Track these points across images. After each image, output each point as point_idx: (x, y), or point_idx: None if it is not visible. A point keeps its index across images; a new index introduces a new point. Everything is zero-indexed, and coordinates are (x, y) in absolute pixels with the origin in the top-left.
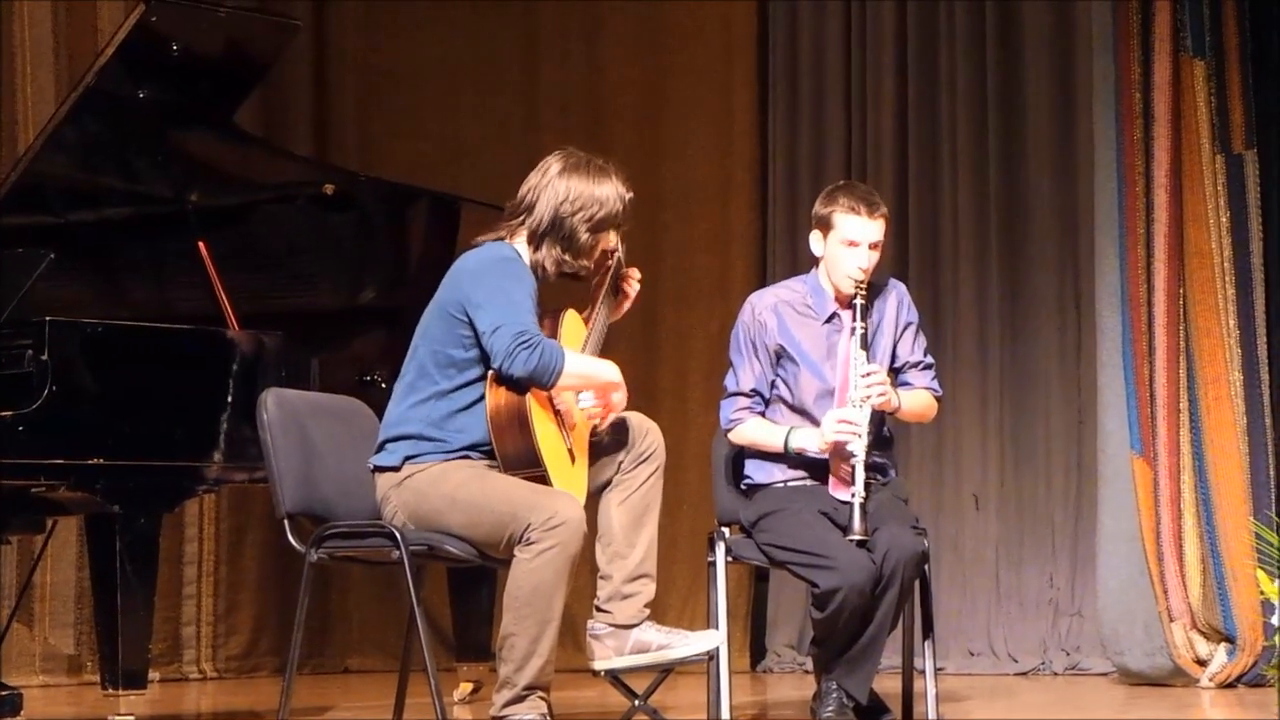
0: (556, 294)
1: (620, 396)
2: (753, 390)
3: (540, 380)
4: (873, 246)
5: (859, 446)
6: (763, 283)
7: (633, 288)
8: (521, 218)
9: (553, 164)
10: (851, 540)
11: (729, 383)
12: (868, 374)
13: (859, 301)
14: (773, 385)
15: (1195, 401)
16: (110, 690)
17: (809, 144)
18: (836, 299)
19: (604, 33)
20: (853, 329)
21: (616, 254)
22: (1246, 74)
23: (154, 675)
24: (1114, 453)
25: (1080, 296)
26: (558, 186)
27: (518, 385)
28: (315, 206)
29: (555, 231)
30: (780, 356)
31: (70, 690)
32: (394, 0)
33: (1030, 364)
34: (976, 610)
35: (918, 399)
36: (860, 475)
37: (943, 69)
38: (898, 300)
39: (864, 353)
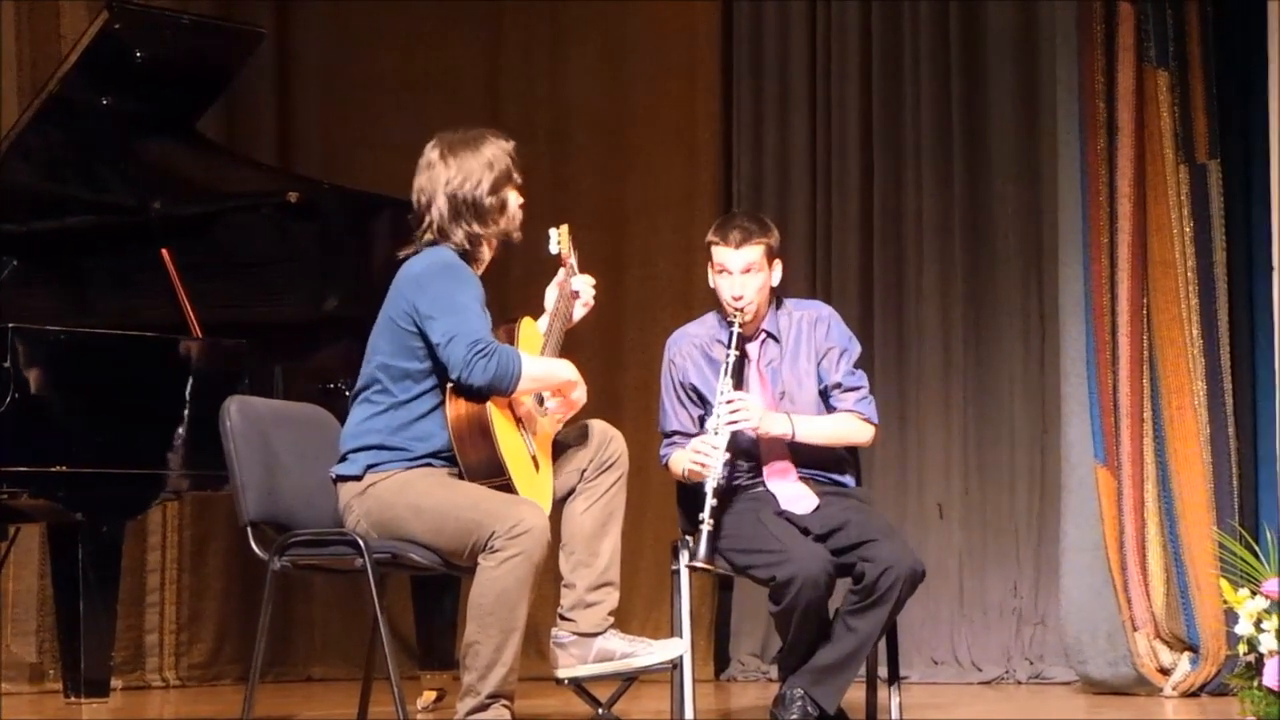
0: (516, 303)
1: (580, 393)
2: (673, 431)
3: (500, 387)
4: (744, 272)
5: (711, 476)
6: None
7: (587, 294)
8: (424, 215)
9: (430, 155)
10: (692, 567)
11: (659, 423)
12: (730, 400)
13: (734, 330)
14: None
15: (1158, 411)
16: (73, 698)
17: (773, 152)
18: (745, 336)
19: (567, 41)
20: (726, 356)
21: (570, 262)
22: (1210, 84)
23: (116, 683)
24: (1077, 462)
25: (1044, 306)
26: (442, 173)
27: (478, 394)
28: (279, 215)
29: (458, 212)
30: (696, 394)
31: (32, 699)
32: (358, 9)
33: (994, 373)
34: (940, 619)
35: (830, 422)
36: (709, 503)
37: (907, 79)
38: (818, 323)
39: (729, 379)
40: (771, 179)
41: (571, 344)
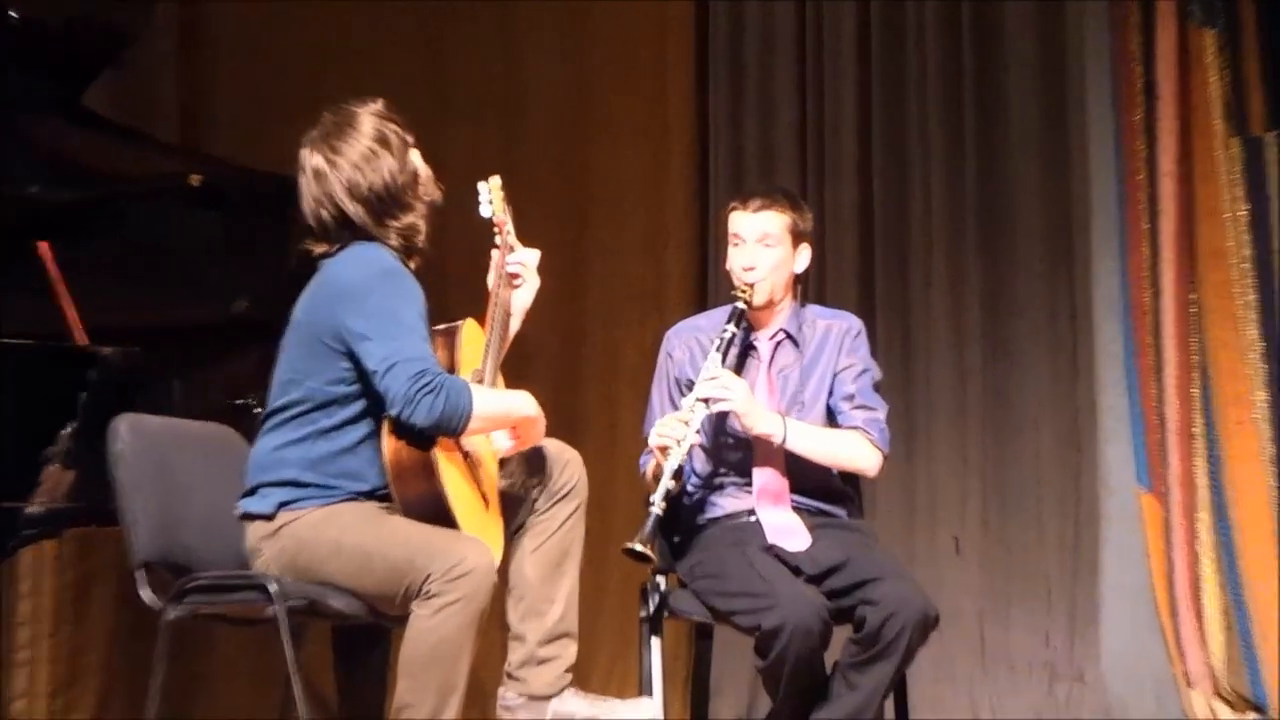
0: (456, 305)
1: (539, 430)
2: None
3: (447, 428)
4: (759, 241)
5: (675, 456)
6: (703, 291)
7: (528, 275)
8: (339, 229)
9: (312, 162)
10: (627, 548)
11: (644, 425)
12: (715, 376)
13: (738, 306)
14: None
15: (1212, 426)
16: None
17: (756, 131)
18: (753, 327)
19: (519, 11)
20: (722, 332)
21: (506, 228)
22: (1265, 45)
23: None
24: (1118, 488)
25: (1075, 306)
26: (335, 177)
27: (419, 434)
28: (180, 202)
29: (378, 210)
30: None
31: None
32: None
33: (1017, 387)
34: (957, 673)
35: (831, 436)
36: (664, 485)
37: (910, 46)
38: (846, 334)
39: (719, 355)
40: (754, 163)
41: (521, 352)
